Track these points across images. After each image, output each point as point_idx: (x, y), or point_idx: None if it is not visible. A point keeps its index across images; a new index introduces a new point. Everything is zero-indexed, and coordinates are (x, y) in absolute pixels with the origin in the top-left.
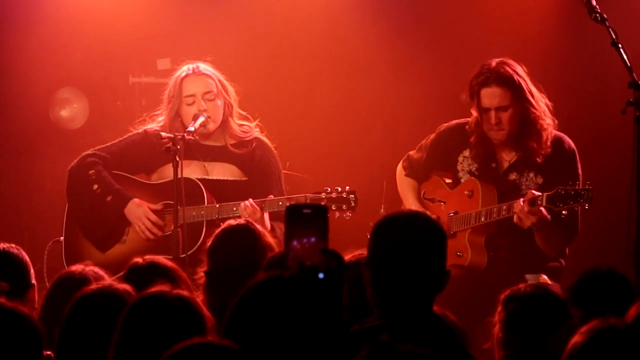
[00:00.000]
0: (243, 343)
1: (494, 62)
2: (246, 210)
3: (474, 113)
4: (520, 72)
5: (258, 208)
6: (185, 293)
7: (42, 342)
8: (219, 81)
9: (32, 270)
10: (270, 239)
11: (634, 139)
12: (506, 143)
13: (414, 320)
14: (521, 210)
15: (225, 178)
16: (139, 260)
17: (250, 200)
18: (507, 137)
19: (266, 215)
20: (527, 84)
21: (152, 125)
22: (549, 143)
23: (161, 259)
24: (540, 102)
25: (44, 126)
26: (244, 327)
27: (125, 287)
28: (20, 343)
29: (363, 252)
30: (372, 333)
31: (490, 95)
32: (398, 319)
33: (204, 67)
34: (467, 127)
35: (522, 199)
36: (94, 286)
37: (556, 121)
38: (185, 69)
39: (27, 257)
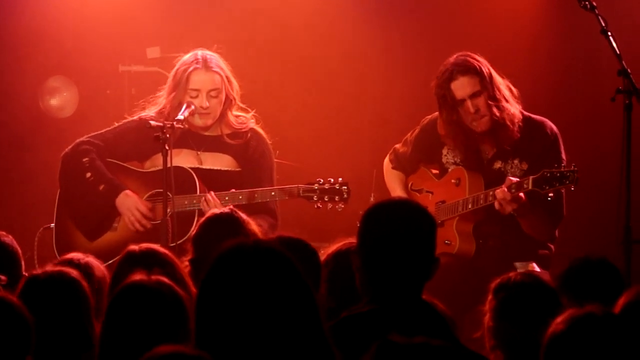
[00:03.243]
0: (217, 322)
1: (452, 58)
2: (208, 204)
3: (442, 121)
4: (479, 59)
5: (218, 201)
6: (163, 279)
7: (32, 330)
8: (226, 77)
9: (22, 261)
10: (254, 227)
11: (624, 126)
12: (484, 138)
13: (403, 306)
14: (503, 197)
15: (219, 168)
16: (134, 247)
17: (212, 193)
18: (490, 123)
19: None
20: (489, 69)
21: (151, 112)
22: (515, 128)
23: (157, 246)
24: (502, 87)
25: (33, 115)
26: (216, 302)
27: (74, 272)
28: (10, 332)
29: (353, 240)
30: (361, 319)
31: (461, 86)
32: (388, 306)
33: (215, 61)
34: (441, 134)
35: (503, 186)
36: (39, 271)
37: (520, 106)
38: (198, 58)
39: (18, 247)
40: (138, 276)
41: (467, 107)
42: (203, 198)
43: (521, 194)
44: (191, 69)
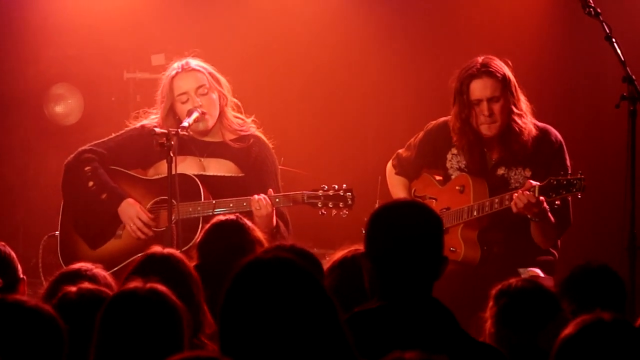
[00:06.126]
0: (239, 334)
1: (480, 58)
2: (259, 203)
3: (454, 117)
4: (505, 67)
5: (270, 202)
6: (158, 286)
7: (65, 340)
8: (210, 74)
9: (18, 264)
10: (259, 233)
11: (628, 133)
12: (492, 143)
13: (413, 303)
14: (523, 199)
15: (222, 174)
16: (157, 250)
17: (263, 195)
18: (499, 130)
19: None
20: (513, 80)
21: (147, 122)
22: (529, 144)
23: (178, 252)
24: (522, 102)
25: (38, 122)
26: (238, 316)
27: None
28: (45, 343)
29: (359, 247)
30: (372, 315)
31: (482, 87)
32: (398, 303)
33: (194, 62)
34: (451, 130)
35: (522, 189)
36: (74, 289)
37: (534, 121)
38: (175, 66)
39: (11, 251)
40: (133, 284)
41: (482, 109)
42: (255, 197)
43: (542, 198)
44: (172, 74)
